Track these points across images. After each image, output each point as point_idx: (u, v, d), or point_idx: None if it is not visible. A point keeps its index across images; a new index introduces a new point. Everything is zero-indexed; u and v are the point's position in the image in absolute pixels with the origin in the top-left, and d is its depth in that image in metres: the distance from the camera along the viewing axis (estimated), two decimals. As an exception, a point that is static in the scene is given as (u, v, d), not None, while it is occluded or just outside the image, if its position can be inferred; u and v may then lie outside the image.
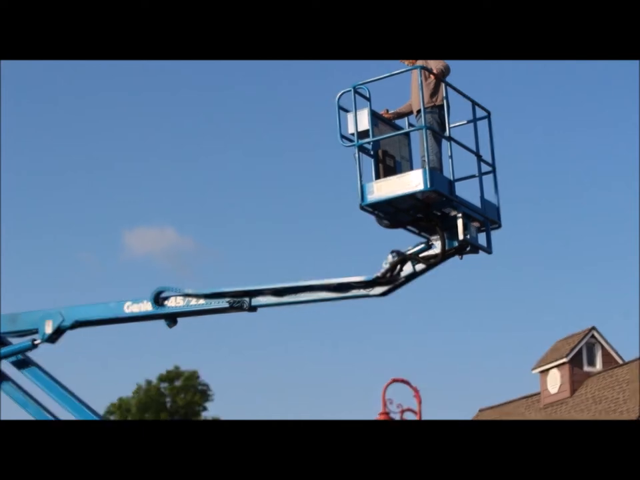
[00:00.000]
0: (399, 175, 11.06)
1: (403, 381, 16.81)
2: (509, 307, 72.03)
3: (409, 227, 11.46)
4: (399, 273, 11.36)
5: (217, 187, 76.10)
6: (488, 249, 11.41)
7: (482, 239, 11.45)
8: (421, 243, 11.39)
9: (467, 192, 11.46)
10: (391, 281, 11.39)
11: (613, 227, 67.23)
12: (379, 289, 11.47)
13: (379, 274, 11.33)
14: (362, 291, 11.54)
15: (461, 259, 11.30)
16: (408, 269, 11.36)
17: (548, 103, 70.11)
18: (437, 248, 11.20)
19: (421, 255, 11.27)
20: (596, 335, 31.66)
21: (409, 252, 11.33)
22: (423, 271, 11.37)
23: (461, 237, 11.01)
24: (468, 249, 11.21)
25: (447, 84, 11.31)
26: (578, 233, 70.32)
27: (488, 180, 11.70)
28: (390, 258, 11.31)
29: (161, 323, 12.89)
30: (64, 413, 13.53)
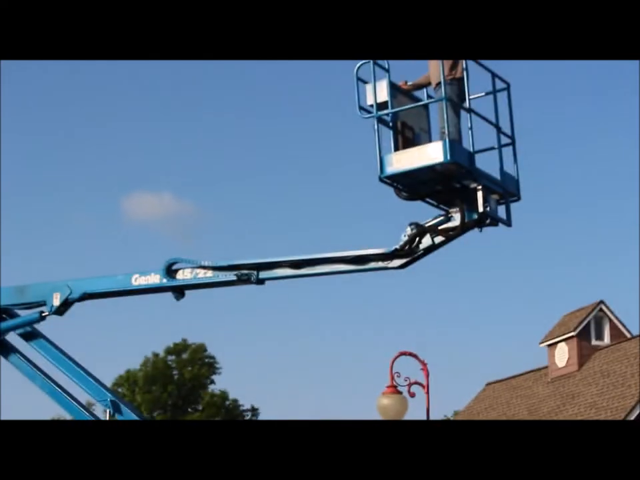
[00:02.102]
0: (418, 147, 10.99)
1: (410, 354, 16.71)
2: (519, 280, 72.10)
3: (428, 199, 11.40)
4: (417, 246, 11.31)
5: (219, 150, 75.42)
6: (507, 222, 11.36)
7: (501, 211, 11.41)
8: (440, 216, 11.33)
9: (486, 164, 11.41)
10: (409, 253, 11.34)
11: (626, 200, 67.01)
12: (397, 262, 11.42)
13: (397, 246, 11.28)
14: (380, 264, 11.50)
15: (481, 231, 11.24)
16: (427, 241, 11.31)
17: (569, 73, 69.72)
18: (456, 220, 11.14)
19: (439, 228, 11.22)
20: (604, 308, 31.63)
21: (427, 224, 11.28)
22: (441, 244, 11.32)
23: (480, 209, 10.95)
24: (487, 221, 11.15)
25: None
26: (593, 207, 70.19)
27: (507, 153, 11.64)
28: (409, 230, 11.26)
29: (169, 295, 12.89)
30: (71, 385, 13.55)
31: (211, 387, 53.01)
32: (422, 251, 11.36)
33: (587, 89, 70.50)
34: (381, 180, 11.02)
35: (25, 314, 13.68)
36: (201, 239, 74.24)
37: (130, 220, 74.66)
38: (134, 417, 13.12)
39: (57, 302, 13.21)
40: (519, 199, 11.59)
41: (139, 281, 12.83)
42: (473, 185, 11.04)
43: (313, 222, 75.06)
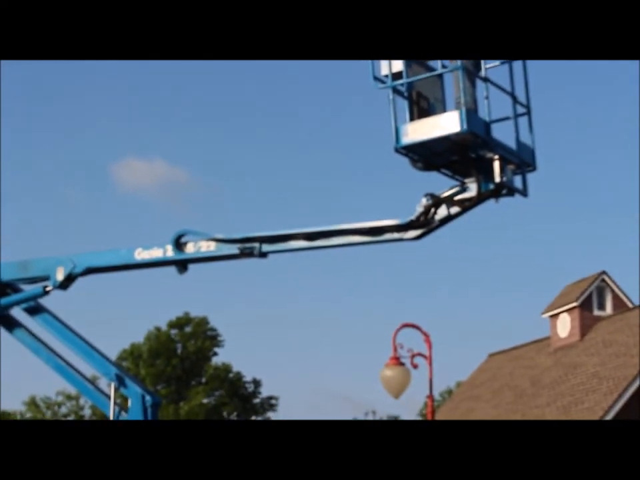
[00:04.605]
0: (434, 117, 10.89)
1: (413, 326, 16.73)
2: (521, 251, 72.12)
3: (443, 170, 11.32)
4: (433, 217, 11.24)
5: (215, 117, 74.78)
6: (524, 192, 11.28)
7: (517, 181, 11.32)
8: (456, 186, 11.25)
9: (501, 134, 11.31)
10: (425, 224, 11.28)
11: (630, 171, 66.93)
12: (412, 233, 11.36)
13: (413, 217, 11.22)
14: (395, 235, 11.44)
15: (497, 201, 11.17)
16: (442, 212, 11.24)
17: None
18: (472, 191, 11.07)
19: (455, 198, 11.14)
20: (606, 279, 31.63)
21: (443, 195, 11.20)
22: (457, 214, 11.25)
23: (497, 179, 10.87)
24: (504, 191, 11.08)
25: (483, 24, 11.10)
26: (596, 180, 70.05)
27: (522, 122, 11.54)
28: (424, 201, 11.19)
29: (171, 269, 12.87)
30: (76, 359, 13.55)
31: (214, 360, 53.19)
32: (437, 222, 11.30)
33: (601, 65, 70.27)
34: (396, 150, 10.93)
35: (28, 289, 13.67)
36: (198, 207, 73.99)
37: (121, 188, 74.22)
38: (138, 390, 13.12)
39: (60, 276, 13.23)
40: (534, 169, 11.50)
41: (142, 255, 12.82)
42: (489, 155, 10.94)
43: (323, 192, 74.83)
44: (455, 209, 11.19)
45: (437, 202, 11.16)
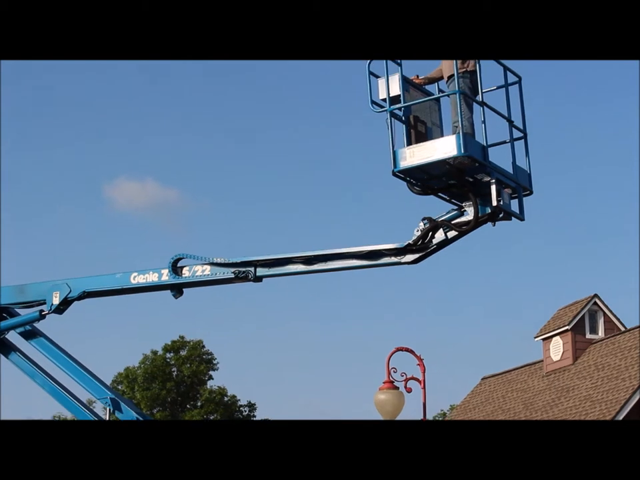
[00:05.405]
0: (432, 141, 10.96)
1: (406, 350, 16.72)
2: (514, 274, 72.14)
3: (441, 194, 11.36)
4: (430, 240, 11.27)
5: (210, 139, 74.64)
6: (520, 216, 11.32)
7: (513, 206, 11.36)
8: (453, 210, 11.31)
9: (498, 158, 11.38)
10: (422, 248, 11.31)
11: (624, 196, 67.11)
12: (410, 256, 11.39)
13: (410, 241, 11.25)
14: (393, 259, 11.46)
15: (494, 225, 11.21)
16: (439, 236, 11.27)
17: (580, 68, 69.70)
18: (469, 214, 11.11)
19: (453, 222, 11.18)
20: (598, 302, 31.67)
21: (440, 219, 11.24)
22: (455, 238, 11.29)
23: (494, 202, 10.91)
24: (501, 215, 11.12)
25: (479, 49, 11.18)
26: (589, 203, 70.19)
27: (519, 147, 11.60)
28: (422, 225, 11.23)
29: (167, 293, 12.88)
30: (72, 384, 13.52)
31: (210, 383, 53.08)
32: (435, 246, 11.32)
33: (595, 85, 70.53)
34: (394, 174, 10.99)
35: (25, 313, 13.68)
36: (190, 227, 73.91)
37: (115, 208, 74.10)
38: (134, 414, 13.11)
39: (56, 301, 13.26)
40: (531, 192, 11.56)
41: (137, 279, 12.86)
42: (486, 179, 11.01)
43: (320, 215, 74.79)
44: (452, 233, 11.23)
45: (434, 226, 11.20)
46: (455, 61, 10.90)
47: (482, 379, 35.91)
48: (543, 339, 32.22)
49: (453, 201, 11.37)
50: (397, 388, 16.03)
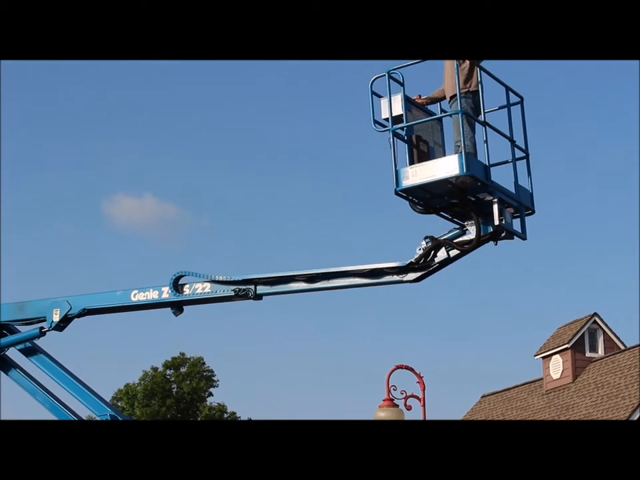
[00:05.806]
0: (434, 160, 11.01)
1: (406, 367, 16.73)
2: (513, 292, 72.06)
3: (443, 213, 11.41)
4: (432, 259, 11.31)
5: (209, 154, 74.46)
6: (522, 235, 11.37)
7: (515, 225, 11.41)
8: (455, 229, 11.35)
9: (499, 178, 11.43)
10: (424, 266, 11.34)
11: (623, 212, 67.03)
12: (412, 275, 11.42)
13: (412, 260, 11.29)
14: (395, 277, 11.49)
15: (496, 244, 11.25)
16: (442, 254, 11.31)
17: (582, 88, 69.81)
18: (471, 233, 11.15)
19: (455, 241, 11.22)
20: (598, 320, 31.72)
21: (442, 238, 11.28)
22: (456, 257, 11.32)
23: (496, 222, 10.96)
24: (503, 234, 11.17)
25: (482, 69, 11.26)
26: (588, 220, 70.20)
27: (521, 166, 11.66)
28: (424, 244, 11.27)
29: (167, 310, 12.89)
30: (72, 400, 13.53)
31: (209, 400, 53.00)
32: (437, 264, 11.36)
33: (597, 103, 70.56)
34: (396, 193, 11.03)
35: (25, 330, 13.70)
36: (189, 243, 73.82)
37: (113, 224, 74.06)
38: None
39: (56, 318, 13.27)
40: (533, 212, 11.62)
41: (137, 296, 12.88)
42: (489, 198, 11.05)
43: (322, 234, 74.69)
44: (454, 252, 11.27)
45: (436, 245, 11.24)
46: (457, 82, 10.96)
47: (482, 397, 35.90)
48: (543, 357, 32.25)
49: (455, 220, 11.41)
50: (397, 405, 16.03)
